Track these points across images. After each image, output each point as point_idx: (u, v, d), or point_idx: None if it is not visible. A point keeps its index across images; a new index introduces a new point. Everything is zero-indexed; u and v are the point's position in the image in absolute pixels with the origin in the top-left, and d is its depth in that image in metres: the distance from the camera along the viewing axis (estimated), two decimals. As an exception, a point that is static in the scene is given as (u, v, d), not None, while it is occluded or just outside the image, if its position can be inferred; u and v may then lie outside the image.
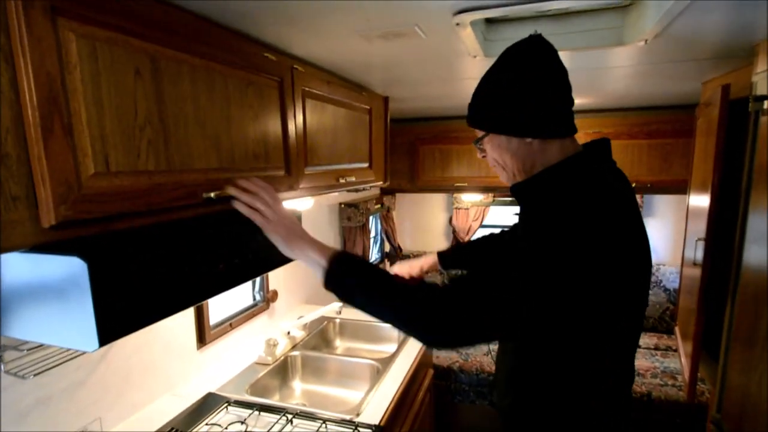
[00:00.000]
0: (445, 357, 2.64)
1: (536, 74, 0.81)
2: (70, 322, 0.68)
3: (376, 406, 1.38)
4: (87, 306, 0.66)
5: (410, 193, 3.31)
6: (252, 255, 1.03)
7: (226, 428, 1.26)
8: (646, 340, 2.83)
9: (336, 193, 1.98)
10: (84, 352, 1.13)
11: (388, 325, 2.03)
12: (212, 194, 0.94)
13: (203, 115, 0.94)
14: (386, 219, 3.32)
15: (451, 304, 0.78)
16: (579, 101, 2.55)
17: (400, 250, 3.57)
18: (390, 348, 1.88)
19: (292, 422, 1.30)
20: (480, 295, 0.77)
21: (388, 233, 3.35)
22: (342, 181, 1.61)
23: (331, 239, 2.61)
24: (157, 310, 0.77)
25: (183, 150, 0.89)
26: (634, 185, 2.77)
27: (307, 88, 1.36)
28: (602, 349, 0.83)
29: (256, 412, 1.34)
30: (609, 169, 0.87)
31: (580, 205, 0.77)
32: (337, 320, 2.07)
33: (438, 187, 3.17)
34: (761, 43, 1.21)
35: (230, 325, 1.72)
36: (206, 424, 1.29)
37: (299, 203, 1.56)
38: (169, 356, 1.46)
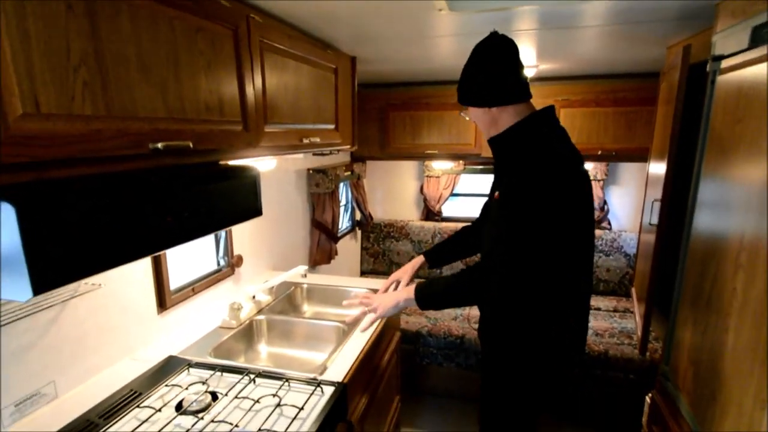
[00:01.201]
0: (414, 322, 2.69)
1: (490, 62, 1.16)
2: (1, 271, 0.64)
3: (341, 365, 1.39)
4: (18, 253, 0.62)
5: (381, 160, 3.28)
6: (205, 210, 0.99)
7: (186, 388, 1.25)
8: (606, 303, 2.95)
9: (301, 156, 1.93)
10: (24, 308, 1.09)
11: (357, 289, 2.04)
12: (159, 145, 0.89)
13: (147, 59, 0.88)
14: (357, 187, 3.29)
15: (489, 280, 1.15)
16: (549, 66, 2.56)
17: (371, 218, 3.56)
18: (356, 311, 1.89)
19: (254, 381, 1.29)
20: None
21: (359, 201, 3.33)
22: (306, 141, 1.57)
23: (299, 206, 2.57)
24: (97, 260, 0.73)
25: (124, 95, 0.83)
26: (599, 153, 2.84)
27: (266, 41, 1.30)
28: (561, 283, 1.20)
29: (219, 373, 1.33)
30: (554, 128, 1.21)
31: (532, 168, 1.11)
32: (305, 285, 2.06)
33: (409, 154, 3.15)
34: (721, 3, 1.22)
35: (192, 289, 1.69)
36: (166, 385, 1.27)
37: (260, 163, 1.51)
38: (128, 320, 1.42)
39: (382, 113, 3.12)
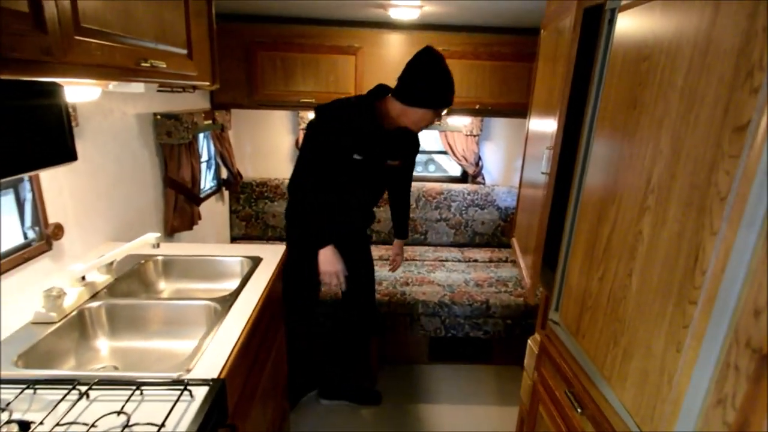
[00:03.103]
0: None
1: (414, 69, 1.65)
2: None
3: (216, 353, 1.09)
4: None
5: (248, 109, 2.84)
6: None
7: (-32, 425, 0.83)
8: (482, 254, 3.08)
9: (141, 88, 1.47)
10: None
11: (228, 258, 1.71)
12: None
13: None
14: (221, 140, 2.81)
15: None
16: (433, 10, 2.41)
17: (240, 177, 3.13)
18: (231, 285, 1.57)
19: (88, 396, 0.93)
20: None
21: (224, 157, 2.87)
22: (145, 65, 1.15)
23: (146, 160, 2.06)
24: None
25: None
26: (477, 107, 2.85)
27: None
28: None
29: (31, 391, 0.93)
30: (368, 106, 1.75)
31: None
32: (159, 258, 1.65)
33: (281, 103, 2.78)
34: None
35: (-19, 275, 1.18)
36: (-68, 425, 0.83)
37: (74, 91, 1.06)
38: None
39: (247, 53, 2.67)
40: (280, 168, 3.37)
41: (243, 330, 1.20)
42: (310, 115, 3.20)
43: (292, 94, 2.73)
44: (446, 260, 2.99)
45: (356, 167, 1.77)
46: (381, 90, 1.74)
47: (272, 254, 1.73)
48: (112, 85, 1.34)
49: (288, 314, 1.91)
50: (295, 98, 2.73)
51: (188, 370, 1.02)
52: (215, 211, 3.03)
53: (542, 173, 1.56)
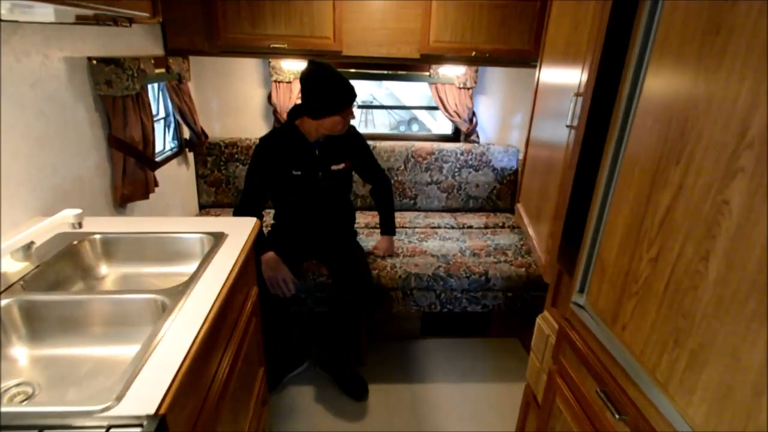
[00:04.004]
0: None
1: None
2: None
3: (157, 373, 0.82)
4: None
5: (210, 55, 2.44)
6: None
7: None
8: (476, 220, 2.83)
9: (51, 18, 1.10)
10: None
11: (186, 235, 1.41)
12: None
13: None
14: (179, 93, 2.42)
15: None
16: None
17: (206, 136, 2.76)
18: (190, 267, 1.29)
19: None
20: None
21: (184, 113, 2.48)
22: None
23: (82, 116, 1.70)
24: None
25: None
26: (473, 54, 2.51)
27: None
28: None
29: None
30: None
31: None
32: (97, 237, 1.33)
33: (248, 49, 2.38)
34: None
35: None
36: None
37: None
38: None
39: (205, -14, 2.24)
40: (251, 126, 3.00)
41: (198, 333, 0.93)
42: (284, 64, 2.83)
43: (260, 38, 2.34)
44: (438, 227, 2.74)
45: (299, 181, 1.96)
46: (298, 109, 1.93)
47: (240, 227, 1.44)
48: (5, 9, 0.99)
49: (262, 298, 1.66)
50: (265, 43, 2.34)
51: (119, 399, 0.75)
52: (179, 176, 2.67)
53: (567, 126, 1.28)
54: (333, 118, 1.84)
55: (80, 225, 1.06)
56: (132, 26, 1.42)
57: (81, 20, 1.16)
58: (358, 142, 2.11)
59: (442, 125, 3.34)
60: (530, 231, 1.71)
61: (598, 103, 1.18)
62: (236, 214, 1.99)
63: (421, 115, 8.75)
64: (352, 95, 1.84)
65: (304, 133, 1.94)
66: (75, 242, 1.29)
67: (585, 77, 1.20)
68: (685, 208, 0.83)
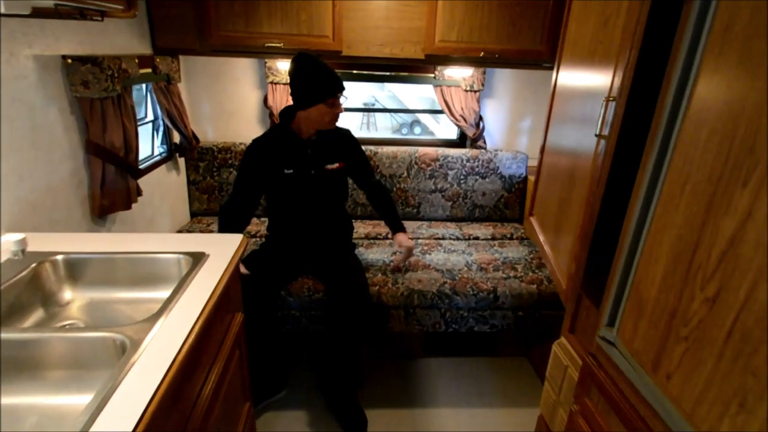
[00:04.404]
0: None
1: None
2: None
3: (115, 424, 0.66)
4: None
5: (201, 55, 2.29)
6: None
7: None
8: (483, 230, 2.67)
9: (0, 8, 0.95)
10: None
11: (162, 255, 1.25)
12: None
13: None
14: (168, 95, 2.27)
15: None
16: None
17: (197, 140, 2.61)
18: (164, 294, 1.13)
19: None
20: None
21: (173, 116, 2.33)
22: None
23: (53, 118, 1.55)
24: None
25: None
26: (482, 54, 2.36)
27: None
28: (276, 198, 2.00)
29: None
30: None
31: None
32: (60, 258, 1.18)
33: (242, 48, 2.23)
34: None
35: None
36: None
37: None
38: None
39: (195, -19, 2.10)
40: (245, 130, 2.84)
41: (163, 380, 0.77)
42: (279, 64, 2.67)
43: (255, 36, 2.19)
44: (443, 238, 2.58)
45: (290, 180, 1.90)
46: (290, 108, 1.91)
47: (223, 247, 1.29)
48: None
49: (248, 314, 1.50)
50: (259, 42, 2.19)
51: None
52: (168, 183, 2.52)
53: (596, 135, 1.12)
54: (319, 108, 1.80)
55: (23, 252, 0.90)
56: (108, 21, 1.27)
57: (39, 13, 1.00)
58: (352, 144, 2.05)
59: (446, 128, 3.17)
60: (547, 249, 1.55)
61: (633, 109, 1.02)
62: (222, 211, 1.94)
63: (424, 117, 8.59)
64: (337, 84, 1.79)
65: (297, 132, 1.90)
66: (33, 264, 1.13)
67: (618, 80, 1.04)
68: (756, 240, 0.67)
